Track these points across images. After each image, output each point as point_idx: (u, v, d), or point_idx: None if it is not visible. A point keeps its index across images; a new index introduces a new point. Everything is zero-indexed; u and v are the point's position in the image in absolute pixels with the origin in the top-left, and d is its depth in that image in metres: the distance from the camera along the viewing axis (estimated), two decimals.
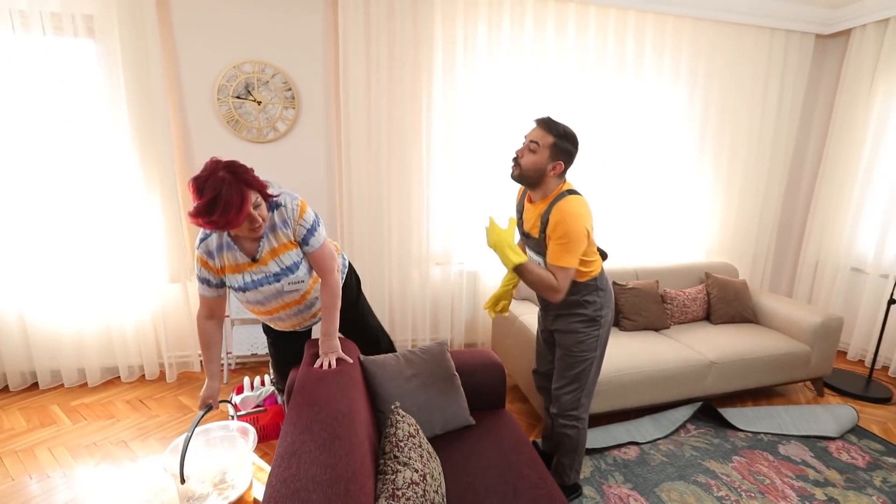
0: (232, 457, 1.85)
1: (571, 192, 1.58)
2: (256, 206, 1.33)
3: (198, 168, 2.19)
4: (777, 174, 3.52)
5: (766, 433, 2.36)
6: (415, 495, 1.12)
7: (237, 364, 3.00)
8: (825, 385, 2.86)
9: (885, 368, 3.14)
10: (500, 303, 1.77)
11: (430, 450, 1.39)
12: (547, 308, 1.82)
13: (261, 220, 1.35)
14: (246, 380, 2.33)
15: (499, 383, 1.85)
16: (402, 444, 1.28)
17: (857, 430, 2.41)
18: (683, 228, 3.43)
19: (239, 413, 2.16)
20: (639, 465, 2.10)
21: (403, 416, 1.38)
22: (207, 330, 1.57)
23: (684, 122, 3.24)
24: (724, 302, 2.90)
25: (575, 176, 1.70)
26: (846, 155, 3.31)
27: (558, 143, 1.53)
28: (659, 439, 2.28)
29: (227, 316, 2.80)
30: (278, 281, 1.47)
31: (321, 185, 2.88)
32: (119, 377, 2.78)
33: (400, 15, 2.64)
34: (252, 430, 1.86)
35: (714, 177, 3.39)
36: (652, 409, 2.47)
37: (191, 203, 1.28)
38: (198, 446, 1.84)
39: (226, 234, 1.41)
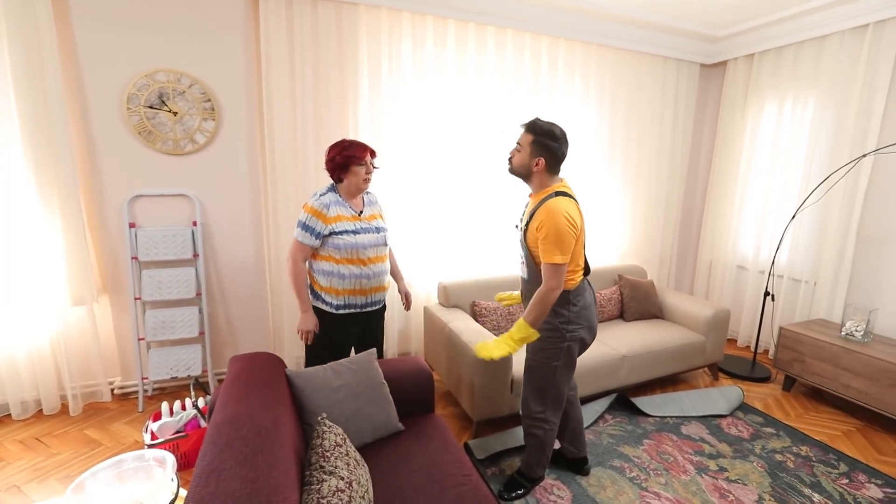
0: (148, 488, 1.74)
1: (561, 193, 1.67)
2: (370, 170, 1.95)
3: (106, 181, 2.56)
4: (676, 185, 3.96)
5: (671, 416, 2.63)
6: (340, 502, 1.15)
7: (154, 390, 2.79)
8: (720, 370, 3.25)
9: (766, 352, 3.62)
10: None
11: (358, 458, 1.42)
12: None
13: (370, 178, 1.97)
14: (164, 405, 2.19)
15: (427, 389, 1.91)
16: (328, 454, 1.30)
17: (743, 407, 2.77)
18: (599, 235, 3.74)
19: (156, 441, 2.03)
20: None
21: (330, 426, 1.40)
22: (304, 269, 1.92)
23: (595, 138, 3.55)
24: (634, 301, 3.20)
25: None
26: (727, 168, 3.81)
27: (536, 140, 1.68)
28: None
29: (142, 339, 2.62)
30: (378, 232, 2.00)
31: (245, 198, 2.79)
32: (9, 415, 2.48)
33: (324, 31, 2.67)
34: (170, 457, 1.76)
35: (623, 188, 3.74)
36: None
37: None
38: (108, 479, 1.71)
39: (338, 194, 1.94)
